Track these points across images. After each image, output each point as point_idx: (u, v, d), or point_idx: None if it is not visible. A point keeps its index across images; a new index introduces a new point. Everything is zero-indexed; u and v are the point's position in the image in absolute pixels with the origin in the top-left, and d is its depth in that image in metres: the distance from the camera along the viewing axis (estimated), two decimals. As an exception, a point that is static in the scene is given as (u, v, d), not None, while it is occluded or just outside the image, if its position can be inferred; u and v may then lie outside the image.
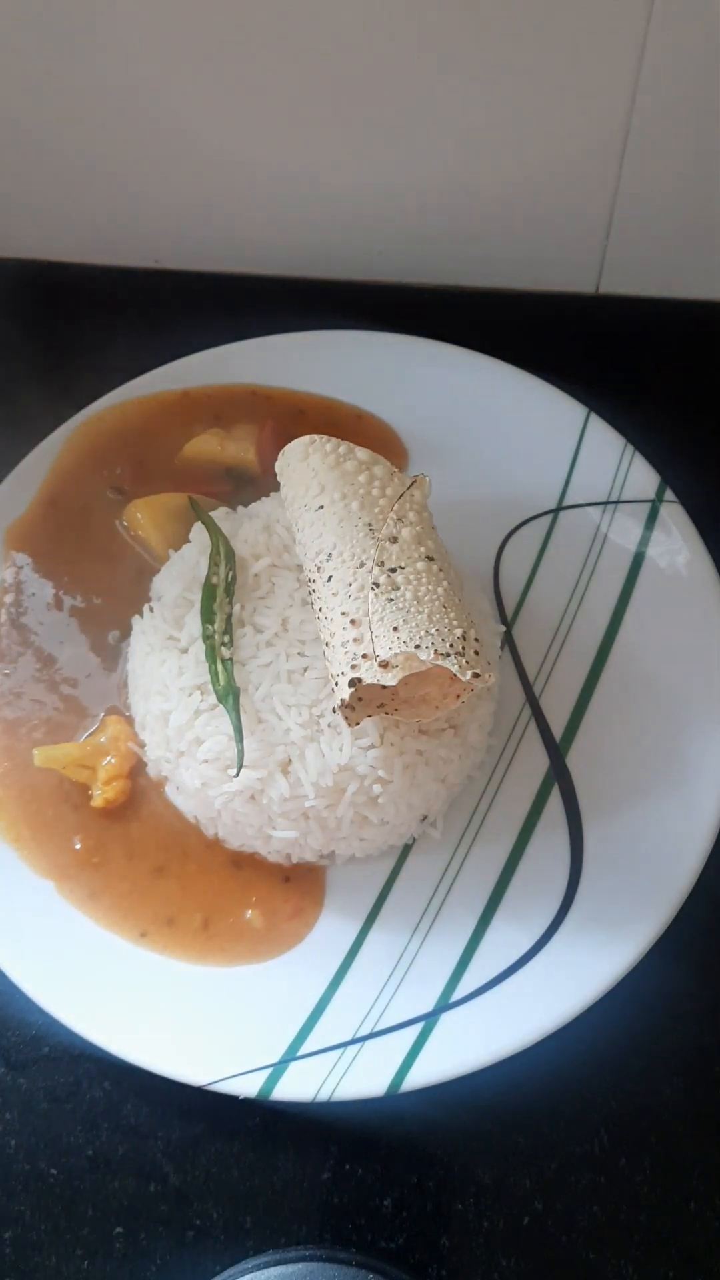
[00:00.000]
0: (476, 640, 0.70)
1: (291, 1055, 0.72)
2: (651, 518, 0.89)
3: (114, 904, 0.79)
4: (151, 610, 0.84)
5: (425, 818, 0.80)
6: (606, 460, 0.91)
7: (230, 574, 0.81)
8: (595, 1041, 0.74)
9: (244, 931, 0.78)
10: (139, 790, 0.83)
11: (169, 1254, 0.71)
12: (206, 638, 0.78)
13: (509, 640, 0.87)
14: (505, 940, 0.76)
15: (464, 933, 0.77)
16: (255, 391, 0.97)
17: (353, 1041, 0.73)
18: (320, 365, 0.97)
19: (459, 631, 0.70)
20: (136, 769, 0.83)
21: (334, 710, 0.75)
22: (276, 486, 0.83)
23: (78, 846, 0.81)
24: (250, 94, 0.92)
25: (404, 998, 0.74)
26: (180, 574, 0.84)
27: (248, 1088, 0.71)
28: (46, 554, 0.92)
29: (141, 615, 0.85)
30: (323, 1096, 0.70)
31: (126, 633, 0.87)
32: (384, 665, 0.68)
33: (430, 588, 0.72)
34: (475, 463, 0.93)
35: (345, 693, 0.69)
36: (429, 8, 0.83)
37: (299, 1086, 0.71)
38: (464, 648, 0.69)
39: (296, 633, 0.78)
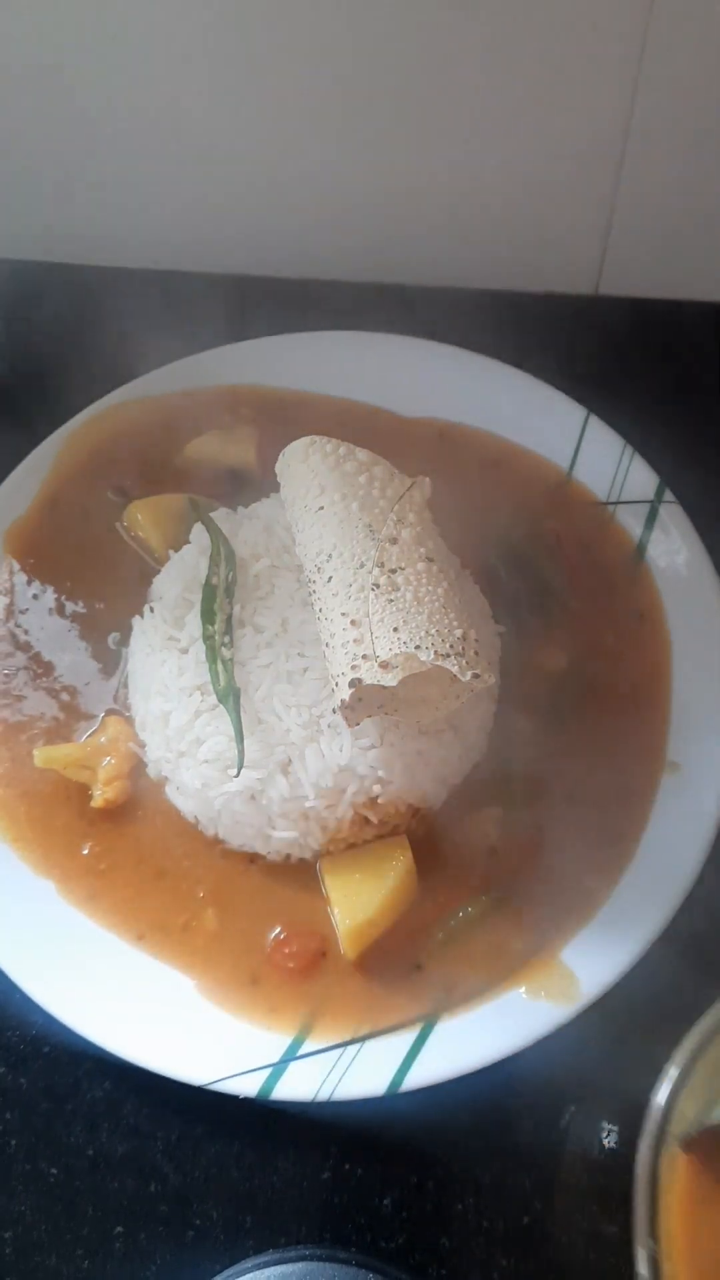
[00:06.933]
0: (476, 641, 0.70)
1: (291, 1055, 0.72)
2: (651, 518, 0.89)
3: (114, 906, 0.79)
4: (152, 611, 0.84)
5: (425, 818, 0.80)
6: (606, 461, 0.91)
7: (230, 575, 0.81)
8: (595, 1041, 0.74)
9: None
10: (139, 791, 0.83)
11: (169, 1254, 0.71)
12: (207, 638, 0.78)
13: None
14: (505, 940, 0.76)
15: (464, 933, 0.76)
16: (256, 392, 0.97)
17: (353, 1041, 0.73)
18: (321, 365, 0.97)
19: (459, 632, 0.70)
20: (136, 769, 0.83)
21: (334, 711, 0.75)
22: (277, 487, 0.83)
23: (86, 852, 0.81)
24: (251, 95, 0.92)
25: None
26: (180, 575, 0.84)
27: (248, 1088, 0.71)
28: (47, 556, 0.91)
29: (142, 616, 0.85)
30: (323, 1096, 0.70)
31: (127, 634, 0.87)
32: (384, 666, 0.68)
33: (430, 588, 0.72)
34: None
35: (345, 693, 0.69)
36: (429, 9, 0.84)
37: (299, 1086, 0.71)
38: (464, 648, 0.69)
39: (296, 633, 0.78)
